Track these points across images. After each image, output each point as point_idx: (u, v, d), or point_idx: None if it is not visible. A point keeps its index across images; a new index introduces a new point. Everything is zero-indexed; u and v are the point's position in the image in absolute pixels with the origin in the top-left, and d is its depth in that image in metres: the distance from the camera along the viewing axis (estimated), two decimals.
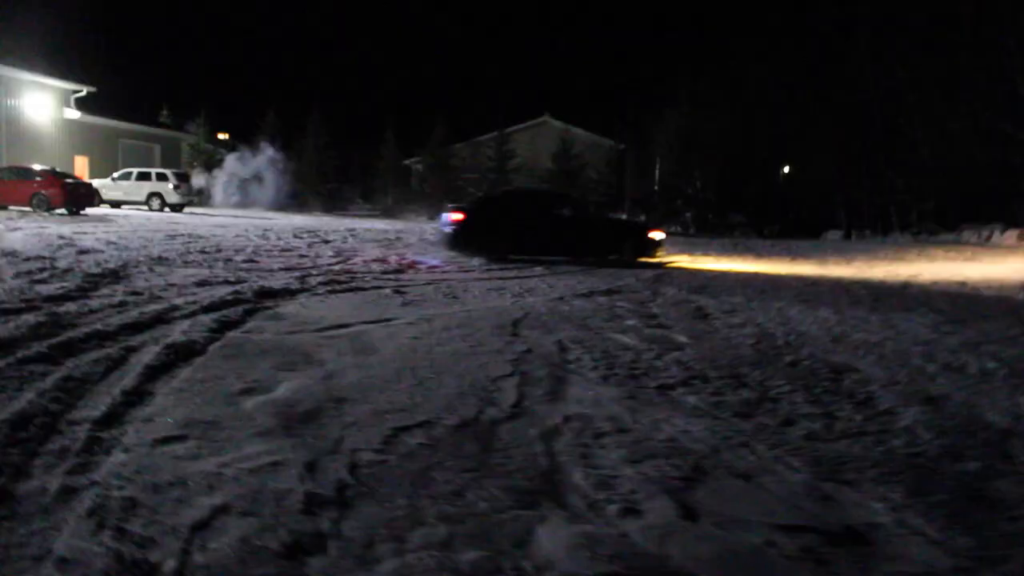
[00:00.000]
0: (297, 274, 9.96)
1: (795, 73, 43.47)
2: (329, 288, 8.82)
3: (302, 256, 12.83)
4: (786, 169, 48.10)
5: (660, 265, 14.89)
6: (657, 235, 15.97)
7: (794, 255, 21.41)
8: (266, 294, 7.97)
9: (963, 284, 13.70)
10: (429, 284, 9.90)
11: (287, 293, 8.25)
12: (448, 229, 14.79)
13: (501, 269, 12.57)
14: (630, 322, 7.59)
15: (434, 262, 13.06)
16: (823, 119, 42.15)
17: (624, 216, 37.82)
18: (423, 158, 46.66)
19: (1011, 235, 25.96)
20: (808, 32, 44.05)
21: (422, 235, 21.46)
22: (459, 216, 14.75)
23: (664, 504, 3.06)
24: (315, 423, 3.85)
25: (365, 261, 12.41)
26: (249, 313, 6.85)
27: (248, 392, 4.31)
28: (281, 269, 10.61)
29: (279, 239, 16.62)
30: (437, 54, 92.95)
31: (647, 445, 3.78)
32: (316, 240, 16.86)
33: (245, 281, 8.86)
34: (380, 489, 3.06)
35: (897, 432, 4.28)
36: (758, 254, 20.57)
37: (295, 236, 17.93)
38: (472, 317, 7.36)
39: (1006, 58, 27.87)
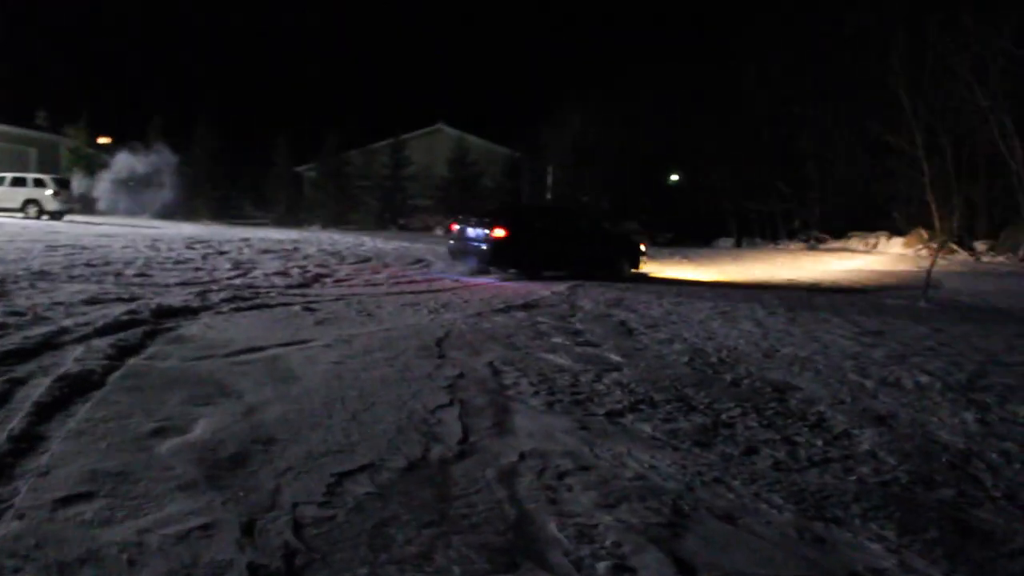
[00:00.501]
0: (196, 290, 9.27)
1: (687, 83, 44.48)
2: (233, 305, 8.20)
3: (198, 269, 12.06)
4: (674, 177, 49.04)
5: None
6: (644, 248, 16.90)
7: (695, 263, 21.74)
8: (165, 313, 7.32)
9: (864, 291, 14.07)
10: (339, 300, 9.38)
11: (188, 311, 7.61)
12: (485, 245, 14.23)
13: (409, 282, 12.13)
14: (557, 340, 7.31)
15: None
16: (714, 129, 43.22)
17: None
18: (316, 165, 45.56)
19: (896, 242, 27.03)
20: (699, 43, 45.28)
21: (320, 245, 20.73)
22: (501, 233, 14.12)
23: (656, 558, 2.75)
24: (244, 470, 3.38)
25: (266, 274, 11.74)
26: (149, 336, 6.22)
27: (160, 433, 3.79)
28: (177, 284, 9.89)
29: (171, 250, 15.67)
30: (330, 60, 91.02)
31: (617, 485, 3.47)
32: (210, 251, 15.97)
33: (140, 298, 8.15)
34: (334, 555, 2.64)
35: (861, 458, 4.13)
36: (660, 262, 20.71)
37: (187, 247, 16.97)
38: (393, 337, 6.93)
39: (889, 72, 29.11)
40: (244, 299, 8.73)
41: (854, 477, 3.80)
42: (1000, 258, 22.63)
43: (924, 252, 24.99)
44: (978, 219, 26.71)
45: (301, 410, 4.35)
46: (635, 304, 10.49)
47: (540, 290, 11.67)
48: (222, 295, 8.81)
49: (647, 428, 4.47)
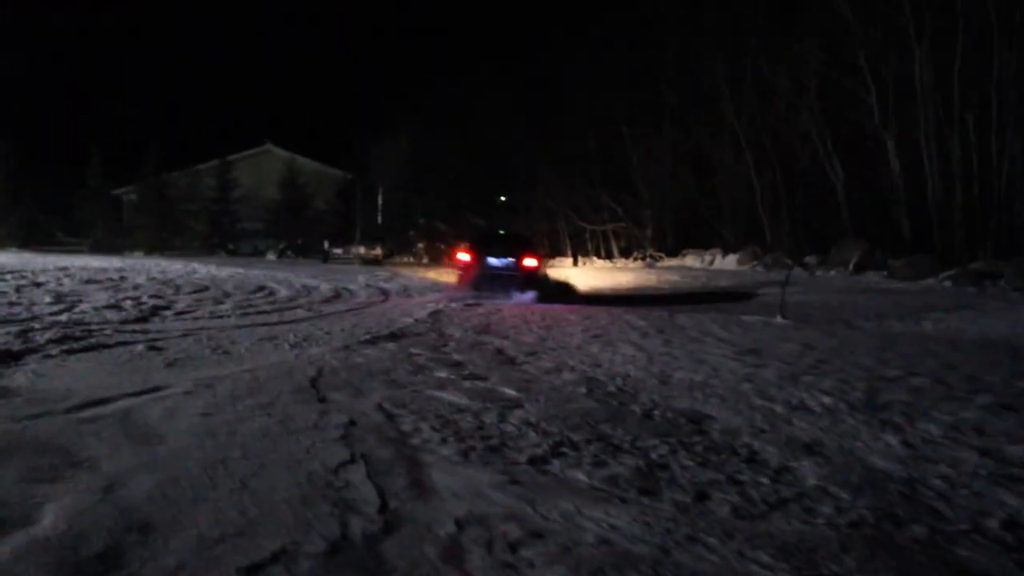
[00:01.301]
0: (13, 328, 8.05)
1: (518, 105, 45.04)
2: (64, 347, 7.11)
3: (12, 304, 10.63)
4: (502, 198, 49.35)
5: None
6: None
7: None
8: None
9: (718, 308, 14.28)
10: (187, 335, 8.41)
11: (8, 356, 6.50)
12: (515, 273, 15.53)
13: (259, 313, 11.19)
14: (441, 374, 6.74)
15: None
16: (548, 148, 43.87)
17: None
18: (136, 187, 42.72)
19: (731, 259, 28.07)
20: (529, 64, 45.85)
21: (149, 274, 19.11)
22: (534, 263, 15.91)
23: None
24: (121, 575, 2.64)
25: (96, 308, 10.49)
26: None
27: None
28: None
29: None
30: (148, 77, 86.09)
31: (583, 555, 2.96)
32: (24, 282, 14.28)
33: None
34: None
35: (814, 495, 3.83)
36: None
37: None
38: (260, 379, 6.14)
39: (712, 87, 30.39)
40: (75, 338, 7.63)
41: (822, 520, 3.48)
42: (832, 272, 23.91)
43: (760, 268, 26.14)
44: (803, 235, 28.27)
45: (177, 480, 3.59)
46: (504, 331, 10.07)
47: (401, 318, 11.05)
48: (48, 335, 7.66)
49: (581, 476, 4.00)
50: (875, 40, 24.16)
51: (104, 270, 19.81)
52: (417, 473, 3.92)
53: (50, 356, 6.69)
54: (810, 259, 25.32)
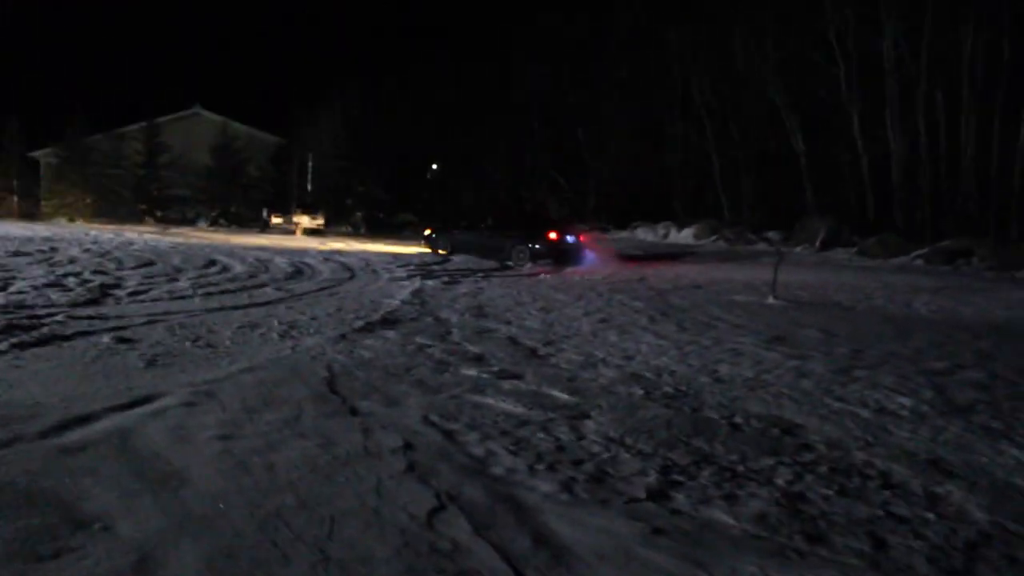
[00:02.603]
0: None
1: (463, 74, 43.87)
2: (12, 339, 5.97)
3: None
4: (434, 167, 48.05)
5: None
6: None
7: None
8: None
9: (698, 286, 13.64)
10: (153, 322, 7.30)
11: None
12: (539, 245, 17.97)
13: (224, 293, 10.04)
14: (469, 372, 5.84)
15: None
16: (490, 119, 42.84)
17: None
18: (57, 150, 40.01)
19: (687, 232, 27.42)
20: (474, 33, 44.71)
21: (82, 245, 17.51)
22: (555, 235, 18.29)
23: None
24: None
25: (35, 287, 9.23)
26: None
27: None
28: None
29: None
30: (69, 34, 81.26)
31: None
32: None
33: None
34: None
35: (1000, 536, 3.15)
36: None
37: None
38: (265, 383, 5.15)
39: (673, 60, 29.68)
40: (23, 328, 6.48)
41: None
42: (798, 248, 23.54)
43: (721, 243, 25.58)
44: (764, 209, 27.88)
45: (232, 551, 2.65)
46: (498, 311, 9.21)
47: (383, 299, 10.07)
48: None
49: (727, 519, 3.21)
50: (845, 14, 23.73)
51: (30, 240, 18.15)
52: (532, 523, 3.06)
53: None
54: (773, 235, 24.96)
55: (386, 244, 24.68)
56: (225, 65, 78.78)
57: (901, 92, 23.27)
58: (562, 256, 17.70)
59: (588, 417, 4.68)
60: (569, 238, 18.42)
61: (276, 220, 33.73)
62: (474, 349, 6.80)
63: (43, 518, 2.83)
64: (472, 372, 5.85)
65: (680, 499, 3.41)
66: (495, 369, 5.99)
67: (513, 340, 7.39)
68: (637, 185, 33.99)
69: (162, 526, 2.81)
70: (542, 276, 14.76)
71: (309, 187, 45.42)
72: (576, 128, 38.80)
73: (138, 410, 4.31)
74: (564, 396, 5.22)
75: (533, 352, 6.85)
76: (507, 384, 5.50)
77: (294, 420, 4.28)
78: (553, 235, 18.14)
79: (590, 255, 18.39)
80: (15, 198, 38.77)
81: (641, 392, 5.42)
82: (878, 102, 23.61)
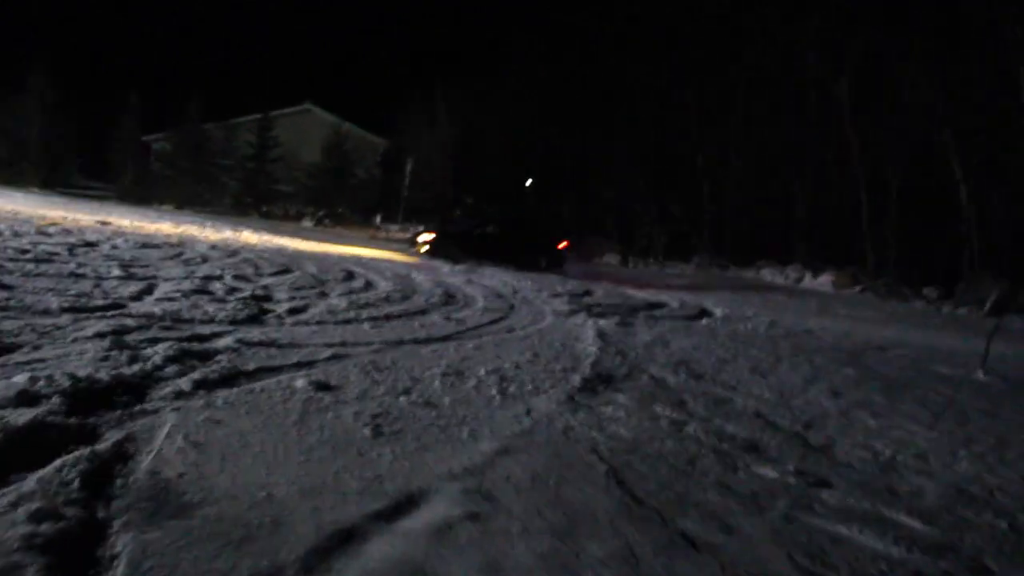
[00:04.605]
0: (103, 326, 5.81)
1: (572, 85, 42.81)
2: (194, 376, 4.82)
3: (77, 276, 8.40)
4: (529, 180, 46.94)
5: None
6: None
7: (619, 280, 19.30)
8: (86, 402, 3.95)
9: (882, 349, 12.01)
10: (337, 359, 6.12)
11: (127, 395, 4.24)
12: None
13: (389, 319, 8.87)
14: (765, 472, 4.49)
15: None
16: (601, 139, 41.57)
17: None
18: (170, 135, 40.15)
19: (825, 279, 25.06)
20: (586, 44, 43.40)
21: (208, 240, 16.75)
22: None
23: None
24: None
25: (183, 292, 8.22)
26: (89, 486, 2.93)
27: None
28: (65, 309, 6.38)
29: (17, 235, 11.69)
30: (189, 23, 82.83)
31: None
32: (74, 240, 12.02)
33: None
34: None
35: None
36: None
37: (39, 231, 12.91)
38: (537, 476, 3.88)
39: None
40: (198, 356, 5.35)
41: None
42: (961, 310, 21.25)
43: (870, 295, 23.20)
44: (919, 262, 25.46)
45: None
46: (705, 369, 7.83)
47: (572, 343, 8.77)
48: (160, 350, 5.32)
49: None
50: None
51: (158, 230, 17.48)
52: None
53: (184, 395, 4.42)
54: (929, 291, 22.72)
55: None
56: (336, 63, 79.19)
57: None
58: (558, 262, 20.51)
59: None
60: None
61: (393, 227, 32.80)
62: (736, 432, 5.42)
63: None
64: (767, 472, 4.48)
65: None
66: (791, 469, 4.61)
67: (761, 416, 6.00)
68: (761, 221, 32.06)
69: None
70: (704, 322, 13.26)
71: (406, 194, 44.78)
72: (696, 155, 37.23)
73: (408, 522, 3.06)
74: (917, 524, 3.83)
75: (804, 440, 5.45)
76: (828, 496, 4.13)
77: (625, 558, 2.97)
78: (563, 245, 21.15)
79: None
80: (127, 179, 38.92)
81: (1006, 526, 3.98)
82: None
